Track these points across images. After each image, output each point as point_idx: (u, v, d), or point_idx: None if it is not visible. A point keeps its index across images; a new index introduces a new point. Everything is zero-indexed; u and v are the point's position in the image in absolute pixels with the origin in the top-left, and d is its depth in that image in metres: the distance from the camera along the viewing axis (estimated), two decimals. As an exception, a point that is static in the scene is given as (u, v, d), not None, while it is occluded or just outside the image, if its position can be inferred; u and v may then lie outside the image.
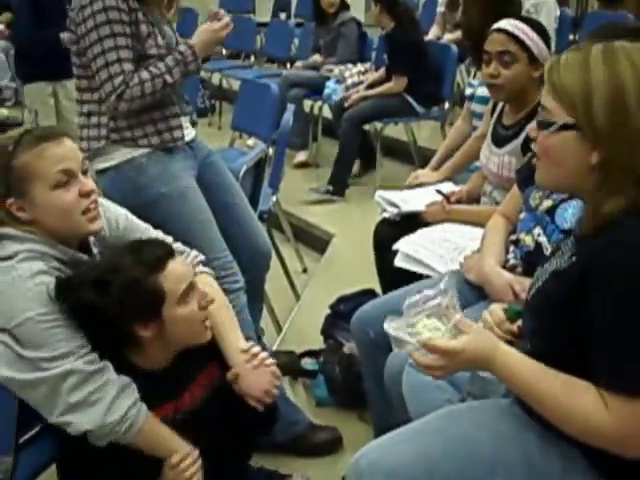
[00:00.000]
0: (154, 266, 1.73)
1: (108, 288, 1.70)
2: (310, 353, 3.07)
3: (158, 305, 1.73)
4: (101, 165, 2.48)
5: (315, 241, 4.64)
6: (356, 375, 2.70)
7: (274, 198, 3.78)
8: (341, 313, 3.04)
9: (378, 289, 3.03)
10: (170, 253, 1.78)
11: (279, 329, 3.47)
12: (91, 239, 1.93)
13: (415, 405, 1.77)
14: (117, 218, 2.04)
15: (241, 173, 2.88)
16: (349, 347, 2.86)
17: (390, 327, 1.49)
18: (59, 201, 1.76)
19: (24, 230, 1.76)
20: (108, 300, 1.69)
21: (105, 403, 1.70)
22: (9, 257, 1.72)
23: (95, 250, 1.94)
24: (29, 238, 1.75)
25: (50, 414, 1.70)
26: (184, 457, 1.80)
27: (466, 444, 1.48)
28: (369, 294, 3.08)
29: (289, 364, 2.99)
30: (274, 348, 3.23)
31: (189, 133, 2.59)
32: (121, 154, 2.45)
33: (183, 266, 1.82)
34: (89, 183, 1.81)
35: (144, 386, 1.79)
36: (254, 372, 1.93)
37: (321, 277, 4.06)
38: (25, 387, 1.69)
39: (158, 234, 2.10)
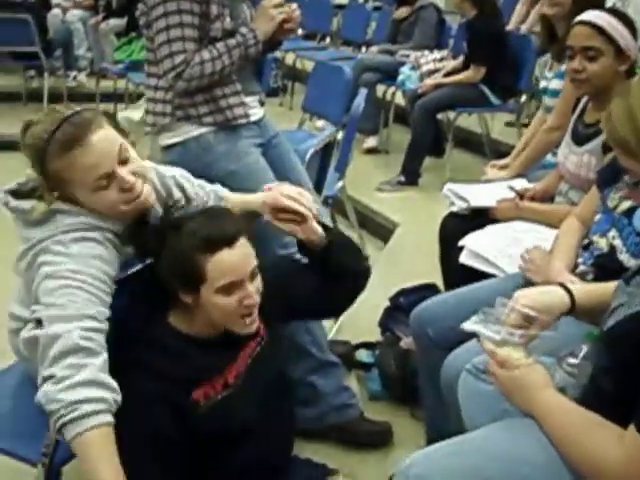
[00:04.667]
0: (205, 247, 1.66)
1: (164, 242, 1.70)
2: (366, 345, 3.00)
3: (197, 283, 1.68)
4: (168, 141, 2.45)
5: (379, 229, 4.55)
6: (412, 371, 2.62)
7: (340, 183, 3.70)
8: (401, 306, 2.97)
9: (440, 284, 2.94)
10: (230, 240, 1.68)
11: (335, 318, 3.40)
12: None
13: (470, 412, 1.68)
14: (171, 190, 1.99)
15: (308, 156, 2.82)
16: (407, 342, 2.78)
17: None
18: (102, 201, 1.71)
19: (78, 206, 1.73)
20: (161, 252, 1.70)
21: (71, 381, 1.54)
22: (61, 228, 1.70)
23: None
24: (82, 212, 1.72)
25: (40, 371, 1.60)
26: None
27: (523, 466, 1.40)
28: (431, 289, 3.00)
29: (344, 354, 2.92)
30: (329, 337, 3.16)
31: (257, 112, 2.54)
32: (187, 131, 2.42)
33: (239, 259, 1.69)
34: (128, 178, 1.70)
35: (191, 353, 1.73)
36: None
37: (382, 267, 3.97)
38: (27, 346, 1.71)
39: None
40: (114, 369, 1.63)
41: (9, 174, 1.84)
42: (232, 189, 2.36)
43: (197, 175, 2.30)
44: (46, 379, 1.57)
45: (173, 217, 1.80)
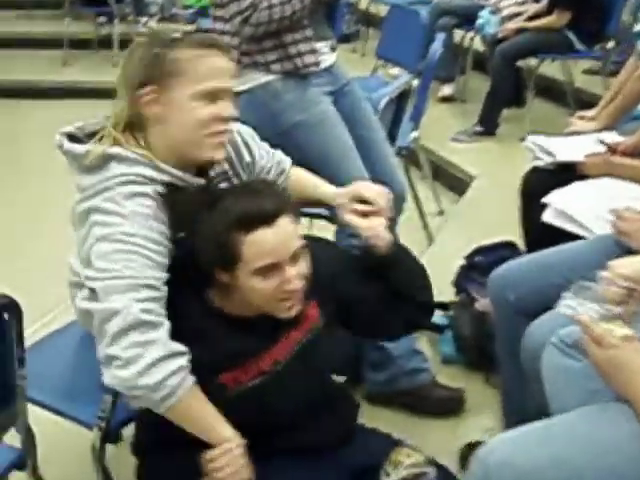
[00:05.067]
0: (240, 225, 1.50)
1: (202, 215, 1.55)
2: (439, 305, 2.84)
3: (232, 263, 1.52)
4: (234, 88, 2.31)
5: (454, 182, 4.37)
6: (488, 335, 2.47)
7: (414, 134, 3.54)
8: (477, 265, 2.81)
9: (520, 242, 2.77)
10: (268, 218, 1.50)
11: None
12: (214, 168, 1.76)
13: (555, 391, 1.54)
14: (251, 147, 1.87)
15: (381, 105, 2.66)
16: (482, 304, 2.63)
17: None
18: (194, 112, 1.59)
19: (136, 152, 1.60)
20: (195, 225, 1.56)
21: (143, 363, 1.46)
22: (113, 177, 1.58)
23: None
24: (139, 161, 1.60)
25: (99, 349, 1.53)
26: (224, 451, 1.53)
27: (611, 455, 1.25)
28: (509, 247, 2.85)
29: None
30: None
31: (327, 59, 2.39)
32: (254, 78, 2.29)
33: (279, 239, 1.51)
34: (230, 110, 1.63)
35: (221, 334, 1.59)
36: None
37: (457, 222, 3.81)
38: (82, 317, 1.59)
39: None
40: None
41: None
42: (299, 140, 2.27)
43: (263, 126, 2.18)
44: (111, 359, 1.49)
45: (214, 188, 1.68)
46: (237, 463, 1.52)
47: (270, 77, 2.27)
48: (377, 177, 2.43)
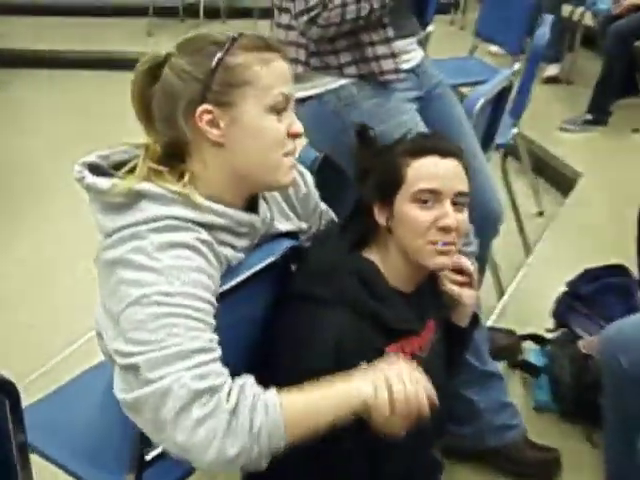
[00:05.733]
0: (412, 150, 1.50)
1: (368, 138, 1.60)
2: (535, 338, 2.49)
3: (393, 188, 1.49)
4: (301, 93, 1.98)
5: (558, 178, 3.93)
6: (591, 383, 2.12)
7: (514, 130, 3.14)
8: (581, 295, 2.42)
9: (632, 264, 2.36)
10: (444, 152, 1.49)
11: (500, 291, 2.90)
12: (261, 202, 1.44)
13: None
14: (305, 175, 1.59)
15: (476, 109, 2.28)
16: (587, 343, 2.26)
17: None
18: (269, 130, 1.32)
19: (170, 189, 1.30)
20: (365, 150, 1.59)
21: (220, 435, 1.18)
22: (144, 222, 1.28)
23: (266, 214, 1.45)
24: (176, 200, 1.29)
25: (166, 446, 1.24)
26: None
27: None
28: (618, 272, 2.44)
29: (507, 347, 2.45)
30: (492, 318, 2.68)
31: (413, 57, 2.03)
32: (325, 82, 1.95)
33: (448, 171, 1.48)
34: (300, 124, 1.38)
35: (394, 298, 1.48)
36: None
37: (560, 228, 3.39)
38: (129, 411, 1.26)
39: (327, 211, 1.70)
40: None
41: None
42: None
43: (332, 138, 1.95)
44: (186, 450, 1.20)
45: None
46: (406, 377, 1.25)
47: (344, 81, 1.93)
48: (472, 196, 2.09)
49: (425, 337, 1.53)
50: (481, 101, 2.30)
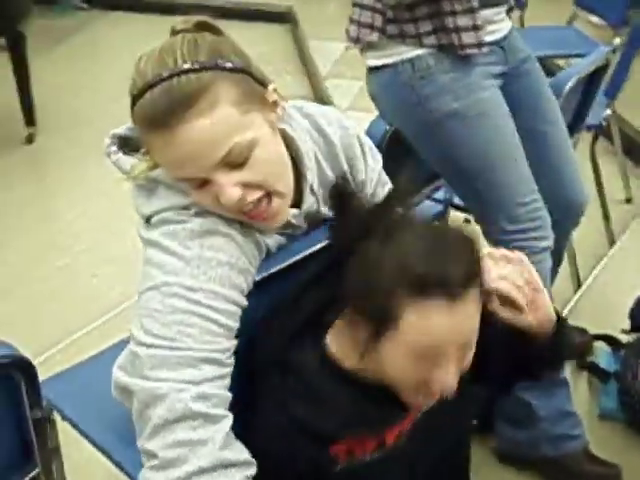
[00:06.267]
0: (413, 286, 1.07)
1: (364, 242, 1.12)
2: (609, 340, 2.31)
3: (382, 326, 1.10)
4: (374, 61, 1.85)
5: (651, 163, 3.68)
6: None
7: (608, 111, 2.92)
8: (663, 299, 2.24)
9: None
10: (453, 291, 1.07)
11: (577, 283, 2.71)
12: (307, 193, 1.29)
13: None
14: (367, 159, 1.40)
15: (565, 90, 2.09)
16: (665, 352, 2.09)
17: None
18: (198, 199, 1.16)
19: None
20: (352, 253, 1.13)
21: (186, 469, 1.06)
22: (170, 209, 1.17)
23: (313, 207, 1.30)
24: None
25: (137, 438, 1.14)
26: None
27: None
28: None
29: (578, 347, 2.30)
30: (564, 312, 2.50)
31: (499, 29, 1.86)
32: (400, 51, 1.80)
33: (455, 321, 1.09)
34: (228, 192, 1.11)
35: (344, 398, 1.18)
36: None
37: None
38: (118, 390, 1.16)
39: None
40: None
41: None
42: (451, 135, 1.82)
43: (404, 111, 1.83)
44: (148, 456, 1.10)
45: (390, 214, 1.17)
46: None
47: (421, 51, 1.77)
48: (554, 184, 1.95)
49: (408, 420, 1.25)
50: (573, 80, 2.12)
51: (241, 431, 1.15)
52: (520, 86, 1.92)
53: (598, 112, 2.81)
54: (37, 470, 1.32)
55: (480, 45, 1.75)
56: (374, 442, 1.22)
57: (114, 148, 1.22)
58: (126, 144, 1.23)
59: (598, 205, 3.07)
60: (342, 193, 1.23)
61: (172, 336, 1.09)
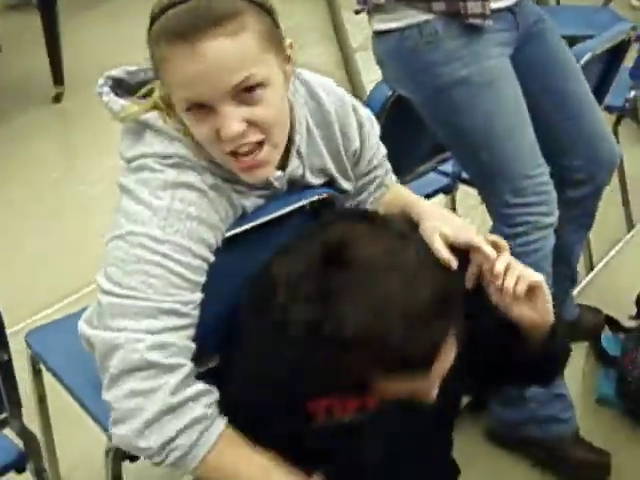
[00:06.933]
0: (379, 361, 1.03)
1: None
2: (614, 323, 2.27)
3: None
4: (381, 25, 1.82)
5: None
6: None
7: (633, 92, 2.83)
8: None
9: None
10: (416, 367, 1.05)
11: (590, 265, 2.66)
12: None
13: None
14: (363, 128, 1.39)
15: (580, 63, 2.04)
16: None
17: None
18: (193, 130, 1.14)
19: (176, 128, 1.17)
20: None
21: (143, 418, 1.09)
22: (152, 155, 1.16)
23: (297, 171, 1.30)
24: (180, 139, 1.17)
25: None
26: None
27: None
28: None
29: (591, 328, 2.25)
30: (574, 292, 2.46)
31: None
32: (407, 15, 1.76)
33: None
34: (229, 125, 1.09)
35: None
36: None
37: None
38: (84, 342, 1.17)
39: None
40: None
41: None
42: (458, 103, 1.78)
43: (410, 77, 1.82)
44: (109, 407, 1.12)
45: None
46: None
47: (429, 16, 1.74)
48: (580, 139, 1.94)
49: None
50: (587, 56, 2.06)
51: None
52: (535, 46, 1.89)
53: (621, 93, 2.74)
54: (5, 414, 1.32)
55: (484, 16, 1.71)
56: (355, 403, 1.20)
57: (106, 89, 1.22)
58: (119, 86, 1.23)
59: (619, 189, 3.00)
60: None
61: (134, 285, 1.09)
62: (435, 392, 1.13)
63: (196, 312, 1.14)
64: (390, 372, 1.05)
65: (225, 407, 1.17)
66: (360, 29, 4.67)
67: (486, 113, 1.77)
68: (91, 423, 1.53)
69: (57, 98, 3.90)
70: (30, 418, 1.45)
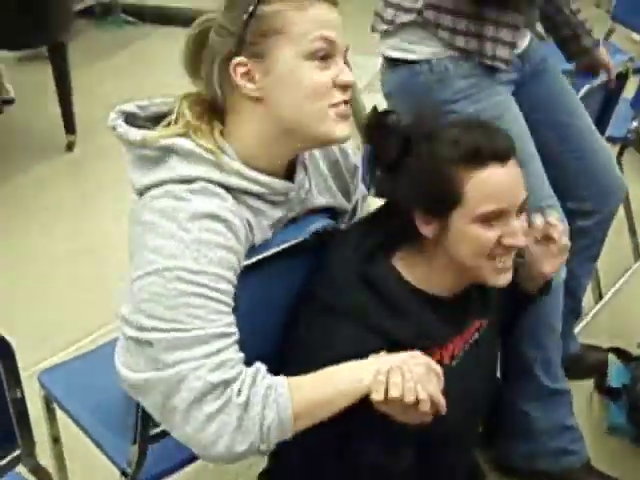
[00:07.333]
0: (469, 159, 1.27)
1: (411, 150, 1.31)
2: (620, 353, 2.27)
3: (449, 205, 1.29)
4: (394, 53, 1.87)
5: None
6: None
7: (635, 123, 2.87)
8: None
9: None
10: (502, 156, 1.28)
11: (598, 294, 2.68)
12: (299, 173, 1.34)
13: None
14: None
15: (580, 94, 2.08)
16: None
17: None
18: (307, 77, 1.21)
19: (204, 147, 1.22)
20: (403, 164, 1.31)
21: (230, 428, 1.13)
22: (176, 181, 1.20)
23: (304, 183, 1.36)
24: (207, 160, 1.22)
25: (171, 431, 1.19)
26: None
27: None
28: None
29: (595, 364, 2.26)
30: (583, 324, 2.47)
31: (523, 43, 1.90)
32: (424, 48, 1.81)
33: (511, 181, 1.30)
34: (350, 74, 1.24)
35: (416, 310, 1.32)
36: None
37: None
38: (134, 390, 1.20)
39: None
40: None
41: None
42: None
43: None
44: (194, 441, 1.16)
45: (426, 125, 1.34)
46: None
47: (443, 51, 1.79)
48: (586, 172, 1.99)
49: (459, 342, 1.40)
50: (585, 88, 2.10)
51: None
52: (539, 84, 1.95)
53: (623, 124, 2.77)
54: (18, 451, 1.34)
55: (508, 62, 1.79)
56: (436, 358, 1.30)
57: (120, 121, 1.27)
58: (131, 121, 1.28)
59: (625, 219, 3.02)
60: (377, 120, 1.35)
61: (181, 319, 1.13)
62: (522, 239, 1.31)
63: (237, 331, 1.18)
64: (476, 166, 1.26)
65: None
66: (365, 70, 4.77)
67: None
68: (105, 462, 1.56)
69: (69, 147, 3.98)
70: (42, 454, 1.47)
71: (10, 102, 4.36)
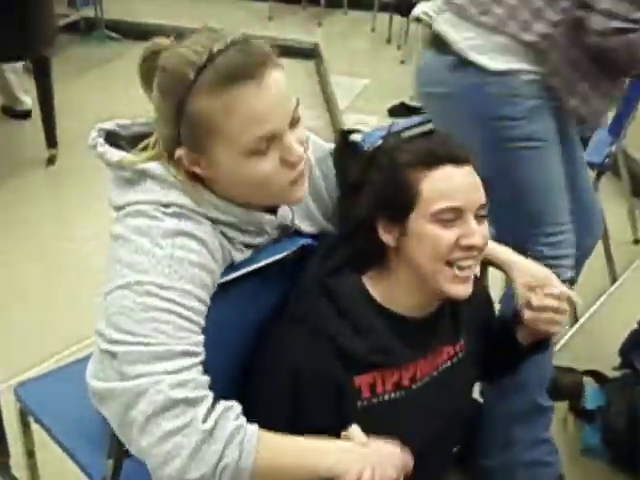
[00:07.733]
0: (423, 160, 1.30)
1: (375, 165, 1.34)
2: (596, 375, 2.30)
3: (405, 209, 1.30)
4: (479, 57, 1.85)
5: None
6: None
7: (612, 148, 2.91)
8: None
9: None
10: (456, 158, 1.30)
11: (574, 317, 2.70)
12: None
13: None
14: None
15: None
16: (649, 388, 2.06)
17: None
18: (253, 172, 1.19)
19: (178, 179, 1.22)
20: (365, 180, 1.35)
21: (186, 453, 1.09)
22: (162, 204, 1.20)
23: (287, 215, 1.36)
24: (180, 188, 1.22)
25: (128, 444, 1.17)
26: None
27: None
28: None
29: (570, 388, 2.27)
30: (558, 346, 2.49)
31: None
32: (507, 54, 1.82)
33: (466, 182, 1.31)
34: (296, 148, 1.20)
35: (377, 327, 1.32)
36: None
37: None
38: (98, 399, 1.19)
39: None
40: None
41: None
42: (521, 159, 1.87)
43: (477, 121, 1.88)
44: (144, 454, 1.13)
45: (390, 140, 1.38)
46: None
47: (528, 76, 1.82)
48: (576, 209, 1.99)
49: (425, 367, 1.39)
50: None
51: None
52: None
53: (600, 150, 2.82)
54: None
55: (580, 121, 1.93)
56: (394, 378, 1.34)
57: (101, 140, 1.27)
58: (111, 139, 1.28)
59: (601, 243, 3.05)
60: (344, 140, 1.40)
61: (146, 333, 1.12)
62: (481, 239, 1.30)
63: (203, 350, 1.17)
64: (431, 167, 1.28)
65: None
66: (347, 92, 4.82)
67: (543, 169, 1.87)
68: (80, 476, 1.56)
69: (51, 160, 3.97)
70: (17, 467, 1.47)
71: (25, 115, 4.35)
